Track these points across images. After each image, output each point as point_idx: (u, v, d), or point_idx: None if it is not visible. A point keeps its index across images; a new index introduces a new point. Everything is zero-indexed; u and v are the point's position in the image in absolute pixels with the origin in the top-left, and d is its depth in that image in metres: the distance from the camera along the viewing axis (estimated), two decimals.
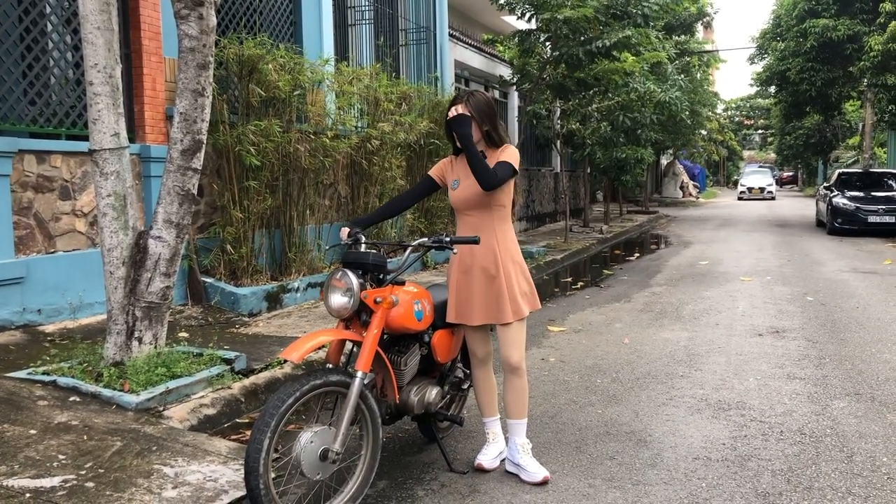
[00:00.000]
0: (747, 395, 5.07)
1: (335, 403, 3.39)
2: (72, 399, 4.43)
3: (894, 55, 16.17)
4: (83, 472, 3.53)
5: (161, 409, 4.48)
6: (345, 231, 3.73)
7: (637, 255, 14.37)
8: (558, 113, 16.18)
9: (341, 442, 3.18)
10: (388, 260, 3.64)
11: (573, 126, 15.68)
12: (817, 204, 21.04)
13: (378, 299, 3.36)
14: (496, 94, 17.60)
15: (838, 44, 17.68)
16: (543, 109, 15.64)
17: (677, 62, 21.74)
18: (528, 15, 13.18)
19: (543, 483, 3.65)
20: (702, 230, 20.00)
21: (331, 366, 3.41)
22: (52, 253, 6.16)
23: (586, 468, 3.87)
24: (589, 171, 19.44)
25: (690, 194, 39.78)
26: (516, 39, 13.89)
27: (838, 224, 17.71)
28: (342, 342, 3.49)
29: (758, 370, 5.69)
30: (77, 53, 6.44)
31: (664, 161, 39.34)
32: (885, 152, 32.31)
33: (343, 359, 3.62)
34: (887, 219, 17.14)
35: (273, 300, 7.64)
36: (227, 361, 5.23)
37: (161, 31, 7.14)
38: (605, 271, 11.86)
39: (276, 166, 7.97)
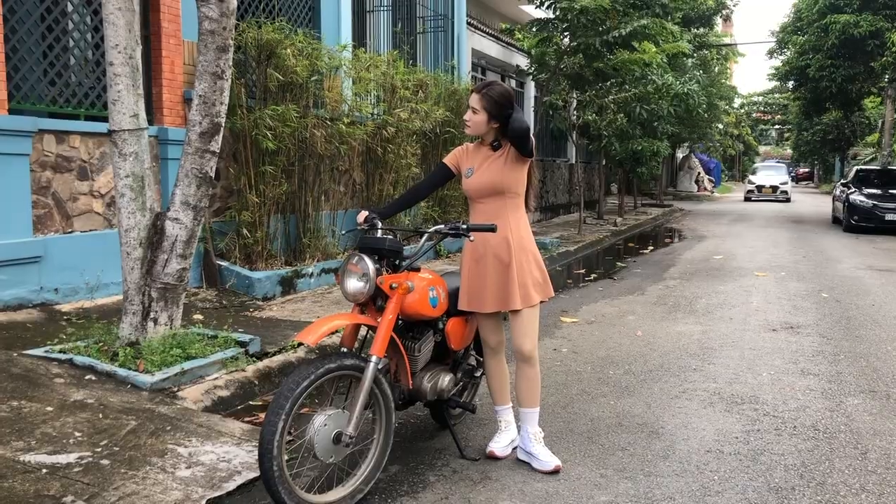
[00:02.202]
0: (760, 389, 5.06)
1: (349, 387, 3.40)
2: (88, 377, 4.47)
3: None
4: (98, 450, 3.56)
5: (175, 389, 4.51)
6: (362, 215, 3.73)
7: (651, 248, 14.32)
8: (574, 104, 16.09)
9: (355, 426, 3.20)
10: (404, 246, 3.65)
11: (589, 117, 15.59)
12: (834, 201, 20.89)
13: (394, 285, 3.36)
14: (513, 83, 17.54)
15: (860, 40, 17.47)
16: (560, 100, 15.56)
17: (696, 56, 21.57)
18: (546, 4, 13.11)
19: (555, 472, 3.66)
20: (716, 225, 19.91)
21: (345, 350, 3.43)
22: (70, 233, 6.20)
23: (598, 458, 3.87)
24: (604, 162, 19.35)
25: (705, 188, 39.53)
26: (534, 28, 13.81)
27: (855, 221, 17.57)
28: (357, 327, 3.51)
29: (771, 365, 5.67)
30: (97, 34, 6.46)
31: (680, 154, 39.08)
32: None
33: (357, 344, 3.63)
34: None
35: (287, 285, 7.66)
36: (242, 344, 5.26)
37: (180, 14, 7.15)
38: (619, 264, 11.83)
39: (292, 151, 7.98)
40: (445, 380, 3.79)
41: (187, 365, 4.68)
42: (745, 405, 4.72)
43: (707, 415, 4.54)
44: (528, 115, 17.36)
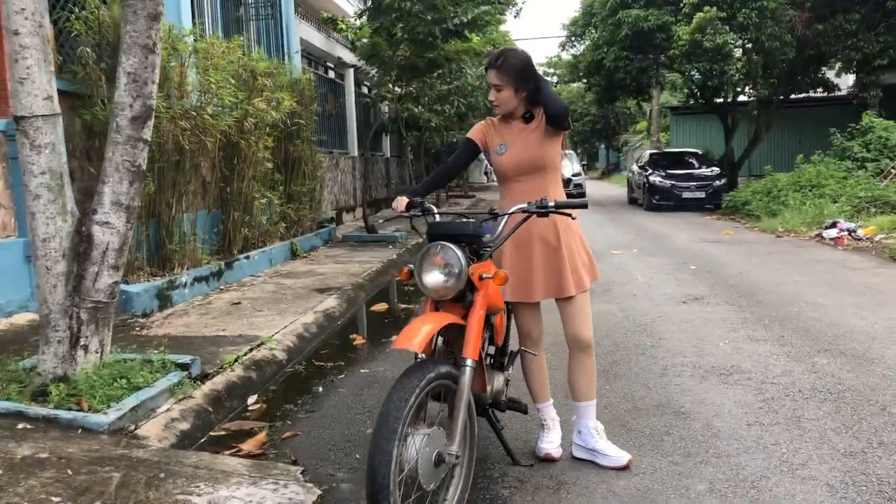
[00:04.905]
0: (731, 358, 5.09)
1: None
2: (21, 426, 3.55)
3: (700, 45, 17.45)
4: None
5: (133, 428, 3.72)
6: (402, 201, 3.24)
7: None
8: (399, 96, 15.82)
9: (459, 442, 2.73)
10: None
11: (415, 109, 15.41)
12: (630, 183, 22.39)
13: (484, 275, 2.91)
14: (332, 74, 16.94)
15: (649, 33, 18.80)
16: (388, 93, 15.23)
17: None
18: None
19: (626, 467, 3.39)
20: None
21: (424, 357, 2.91)
22: None
23: (654, 446, 3.64)
24: (413, 156, 19.26)
25: (493, 180, 41.02)
26: (365, 18, 13.35)
27: (656, 201, 18.92)
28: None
29: (717, 335, 5.76)
30: None
31: None
32: (665, 136, 35.13)
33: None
34: (698, 194, 18.60)
35: (163, 298, 6.75)
36: (183, 367, 4.48)
37: None
38: None
39: (153, 146, 6.99)
40: (500, 380, 3.41)
41: (139, 397, 3.88)
42: (735, 375, 4.71)
43: (711, 388, 4.47)
44: (350, 109, 16.84)
